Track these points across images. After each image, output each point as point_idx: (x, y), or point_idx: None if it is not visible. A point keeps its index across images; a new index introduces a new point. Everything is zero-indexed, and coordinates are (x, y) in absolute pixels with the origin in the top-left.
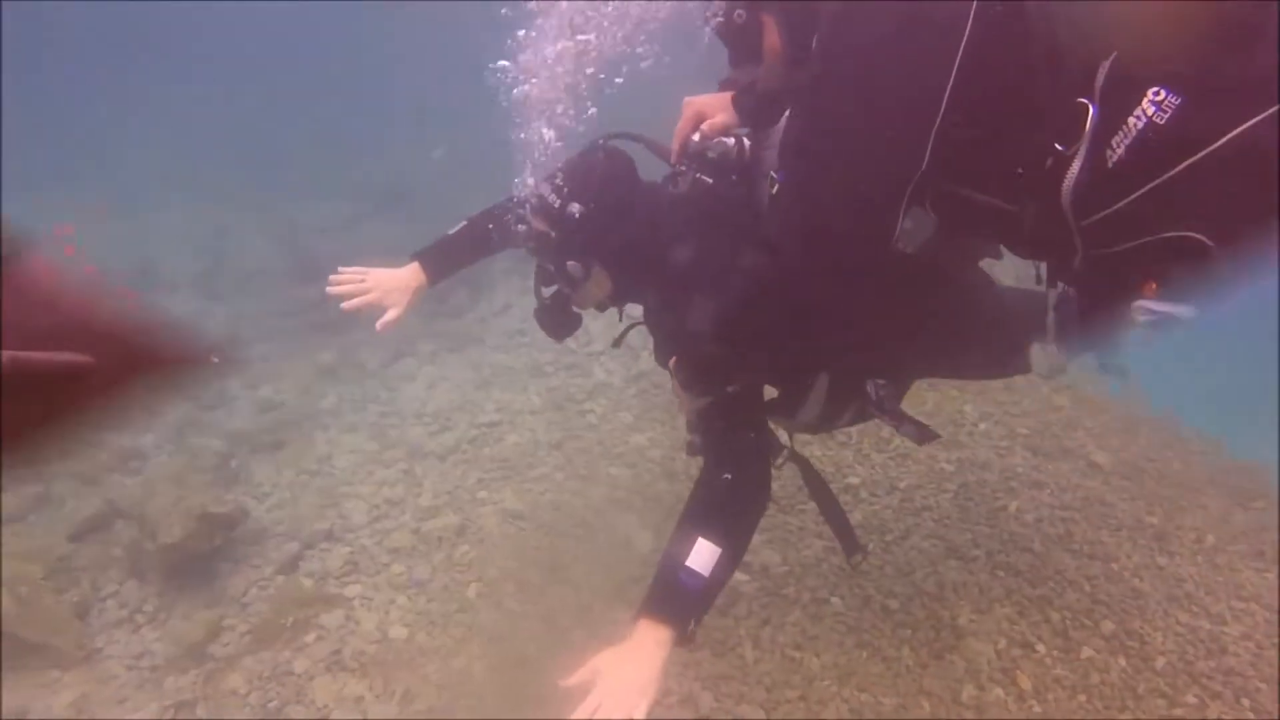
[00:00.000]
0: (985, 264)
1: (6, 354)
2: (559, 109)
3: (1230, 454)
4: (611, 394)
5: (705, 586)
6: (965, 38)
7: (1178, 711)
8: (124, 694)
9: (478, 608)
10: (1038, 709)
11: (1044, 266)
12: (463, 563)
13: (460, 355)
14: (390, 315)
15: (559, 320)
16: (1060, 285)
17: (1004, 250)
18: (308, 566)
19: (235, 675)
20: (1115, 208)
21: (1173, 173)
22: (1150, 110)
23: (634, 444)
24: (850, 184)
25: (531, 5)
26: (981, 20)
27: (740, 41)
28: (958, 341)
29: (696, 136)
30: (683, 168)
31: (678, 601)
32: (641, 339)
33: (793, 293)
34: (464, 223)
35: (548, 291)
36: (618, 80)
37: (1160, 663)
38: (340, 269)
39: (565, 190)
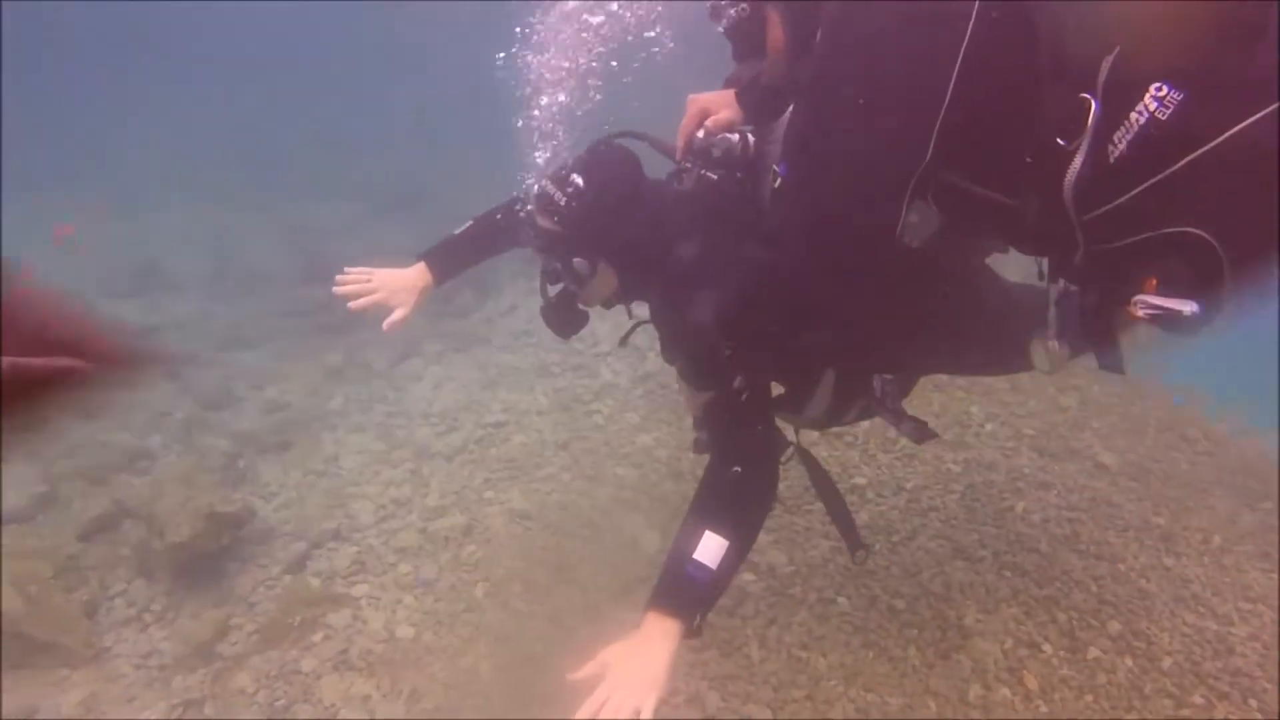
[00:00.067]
0: (992, 259)
1: (7, 360)
2: (572, 84)
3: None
4: (618, 394)
5: (713, 579)
6: (968, 34)
7: (1184, 712)
8: (132, 692)
9: (485, 607)
10: (1044, 709)
11: (1046, 262)
12: (469, 562)
13: (467, 356)
14: (397, 315)
15: (565, 318)
16: (1061, 281)
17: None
18: (315, 566)
19: (243, 674)
20: (1116, 203)
21: (1174, 169)
22: (1152, 106)
23: (641, 444)
24: (854, 177)
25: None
26: (984, 18)
27: (744, 36)
28: (963, 337)
29: (701, 133)
30: (687, 164)
31: (686, 594)
32: (648, 340)
33: (795, 286)
34: (470, 223)
35: (554, 289)
36: (635, 66)
37: (1167, 663)
38: (346, 269)
39: (571, 187)
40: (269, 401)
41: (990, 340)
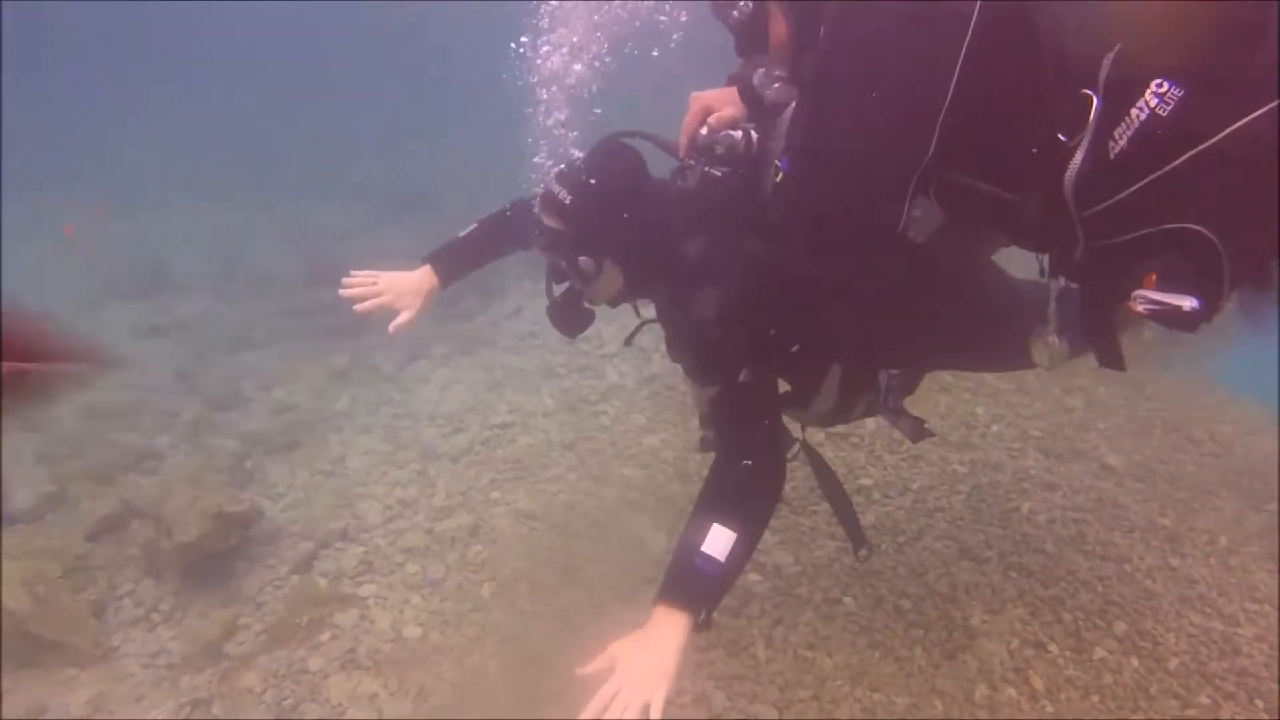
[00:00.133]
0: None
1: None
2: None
3: None
4: (624, 396)
5: (722, 572)
6: (969, 33)
7: (1191, 712)
8: (140, 692)
9: (491, 607)
10: (1050, 709)
11: (1047, 259)
12: (476, 563)
13: (472, 358)
14: (403, 318)
15: (571, 317)
16: (1062, 278)
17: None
18: (322, 566)
19: (251, 674)
20: (1117, 199)
21: (1174, 164)
22: (1153, 102)
23: (647, 445)
24: (856, 172)
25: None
26: (985, 17)
27: (748, 33)
28: (967, 333)
29: (704, 130)
30: (691, 162)
31: (694, 587)
32: (653, 341)
33: (797, 280)
34: (474, 225)
35: (559, 288)
36: (653, 53)
37: (1173, 663)
38: (352, 272)
39: (575, 185)
40: (276, 402)
41: (993, 336)
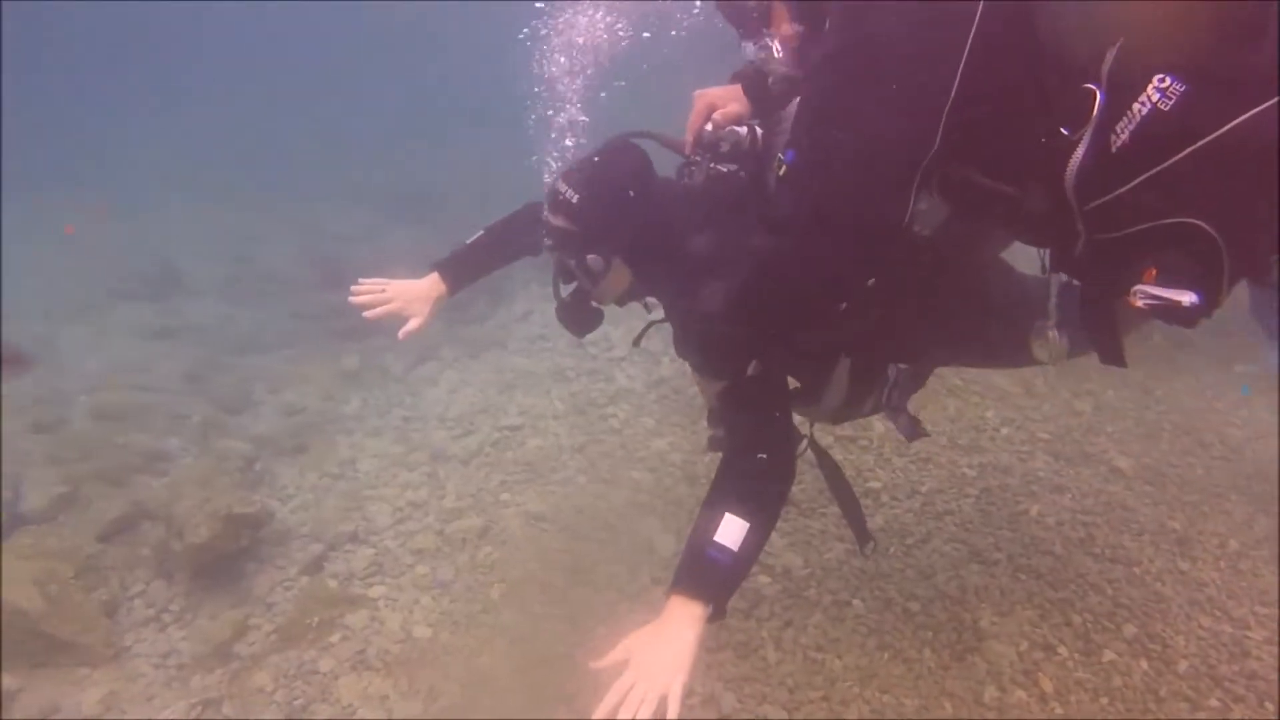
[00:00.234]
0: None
1: None
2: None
3: None
4: (633, 399)
5: (735, 562)
6: (973, 31)
7: (1200, 715)
8: (152, 691)
9: (501, 608)
10: (1060, 711)
11: (1048, 253)
12: (486, 564)
13: (482, 361)
14: (412, 324)
15: (580, 317)
16: (1063, 273)
17: None
18: (332, 567)
19: (261, 674)
20: (1117, 193)
21: (1175, 159)
22: (1155, 97)
23: (656, 448)
24: (861, 165)
25: None
26: (989, 14)
27: (753, 29)
28: (971, 327)
29: (709, 127)
30: (697, 159)
31: (708, 576)
32: (662, 344)
33: (801, 273)
34: (481, 232)
35: (567, 288)
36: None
37: (1183, 666)
38: (361, 279)
39: (582, 184)
40: (286, 405)
41: (998, 331)
